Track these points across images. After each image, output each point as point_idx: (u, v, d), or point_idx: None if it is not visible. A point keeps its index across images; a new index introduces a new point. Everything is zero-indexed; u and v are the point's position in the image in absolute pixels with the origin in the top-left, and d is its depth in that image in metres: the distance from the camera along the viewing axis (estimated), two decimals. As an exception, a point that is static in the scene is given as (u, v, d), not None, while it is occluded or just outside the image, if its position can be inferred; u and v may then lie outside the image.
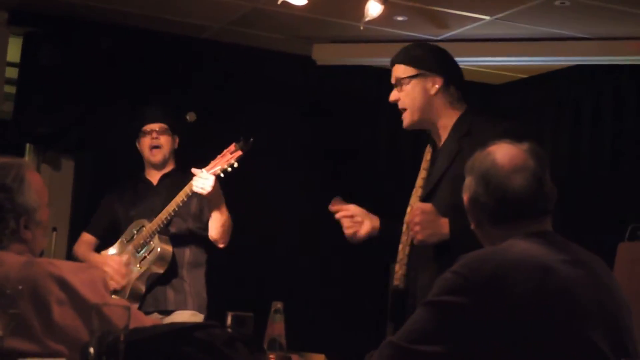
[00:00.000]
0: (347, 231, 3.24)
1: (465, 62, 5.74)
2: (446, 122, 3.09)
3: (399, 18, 5.21)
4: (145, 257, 4.18)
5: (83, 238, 4.50)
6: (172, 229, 4.25)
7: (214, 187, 4.03)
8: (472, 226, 2.27)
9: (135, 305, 4.08)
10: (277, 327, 2.56)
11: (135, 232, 4.26)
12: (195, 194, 4.07)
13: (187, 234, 4.29)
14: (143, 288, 4.20)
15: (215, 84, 5.81)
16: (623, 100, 5.69)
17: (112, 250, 4.33)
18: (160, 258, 4.18)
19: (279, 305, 2.58)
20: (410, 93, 3.10)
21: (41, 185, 2.52)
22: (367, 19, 4.44)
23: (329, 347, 3.47)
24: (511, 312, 1.95)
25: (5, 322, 2.13)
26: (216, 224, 4.21)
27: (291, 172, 6.00)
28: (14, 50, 5.53)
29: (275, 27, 5.61)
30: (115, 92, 5.53)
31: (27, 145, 5.68)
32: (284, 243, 5.86)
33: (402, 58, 3.14)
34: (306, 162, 6.07)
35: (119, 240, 4.32)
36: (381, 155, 6.28)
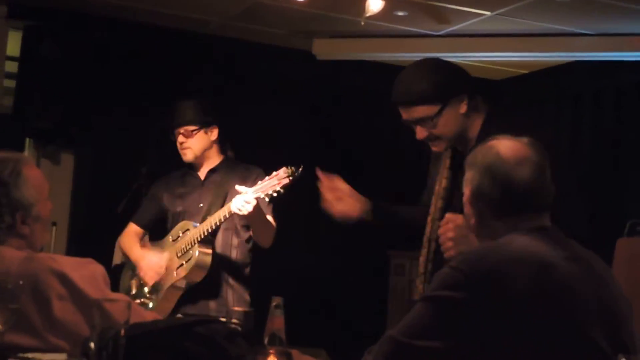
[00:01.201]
0: (323, 204, 3.17)
1: (465, 57, 5.75)
2: (473, 131, 2.93)
3: (400, 13, 5.21)
4: (182, 264, 4.09)
5: (130, 229, 4.38)
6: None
7: (254, 210, 3.94)
8: (473, 221, 2.26)
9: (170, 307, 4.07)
10: (277, 322, 2.55)
11: (180, 234, 4.18)
12: None
13: (233, 235, 4.21)
14: (178, 294, 4.12)
15: (216, 78, 5.81)
16: (623, 96, 5.69)
17: (158, 247, 4.25)
18: (198, 266, 4.07)
19: (279, 300, 2.58)
20: (444, 126, 2.91)
21: (40, 180, 2.52)
22: (367, 15, 4.43)
23: (329, 342, 3.48)
24: (510, 307, 1.96)
25: (6, 317, 2.13)
26: (259, 236, 4.18)
27: (292, 165, 5.99)
28: (13, 44, 5.52)
29: (275, 22, 5.61)
30: (115, 87, 5.52)
31: (27, 139, 5.67)
32: (285, 238, 5.85)
33: (416, 99, 2.91)
34: (306, 156, 6.06)
35: (167, 236, 4.25)
36: (382, 150, 6.28)
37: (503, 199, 2.18)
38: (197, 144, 4.24)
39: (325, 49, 5.93)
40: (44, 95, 5.42)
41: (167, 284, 4.12)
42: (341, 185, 3.20)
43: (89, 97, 5.47)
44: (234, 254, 4.22)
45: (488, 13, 5.16)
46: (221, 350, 1.97)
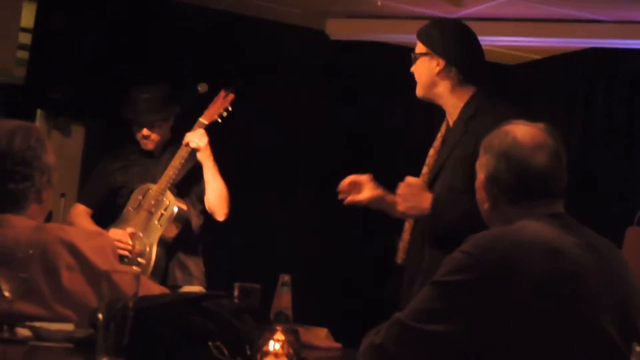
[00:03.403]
0: (340, 196, 3.28)
1: (479, 41, 5.72)
2: (454, 102, 3.18)
3: (415, -5, 5.19)
4: (162, 214, 4.11)
5: (77, 209, 4.36)
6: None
7: (208, 147, 4.09)
8: (486, 206, 2.25)
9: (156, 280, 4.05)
10: (284, 299, 2.57)
11: (141, 197, 4.17)
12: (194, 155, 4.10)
13: (189, 209, 4.24)
14: (164, 258, 4.14)
15: (228, 56, 5.80)
16: (637, 83, 5.66)
17: (117, 224, 4.20)
18: (177, 217, 4.13)
19: (286, 278, 2.59)
20: (418, 69, 3.23)
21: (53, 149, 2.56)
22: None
23: (334, 321, 3.48)
24: (520, 293, 1.94)
25: (15, 285, 2.15)
26: (213, 193, 4.16)
27: (301, 146, 6.00)
28: (27, 16, 5.51)
29: (290, 1, 5.59)
30: (127, 59, 5.52)
31: (38, 110, 5.67)
32: (294, 217, 5.87)
33: (420, 34, 3.25)
34: (317, 136, 6.07)
35: (124, 210, 4.21)
36: (394, 131, 6.26)
37: (518, 185, 2.17)
38: (159, 135, 4.30)
39: (339, 29, 5.91)
40: (57, 67, 5.41)
41: (155, 240, 4.11)
42: (362, 178, 3.29)
43: (101, 70, 5.47)
44: (193, 225, 4.27)
45: (503, -3, 5.14)
46: (228, 326, 1.97)
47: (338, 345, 2.81)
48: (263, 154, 5.81)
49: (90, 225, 4.27)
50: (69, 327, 2.20)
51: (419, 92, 3.24)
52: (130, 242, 4.07)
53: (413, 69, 3.24)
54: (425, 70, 3.20)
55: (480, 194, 2.27)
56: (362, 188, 3.24)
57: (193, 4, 5.76)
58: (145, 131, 4.26)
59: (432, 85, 3.19)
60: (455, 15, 5.53)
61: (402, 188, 3.01)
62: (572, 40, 5.66)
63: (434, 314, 1.99)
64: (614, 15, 5.25)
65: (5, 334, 2.13)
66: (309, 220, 5.87)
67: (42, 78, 5.43)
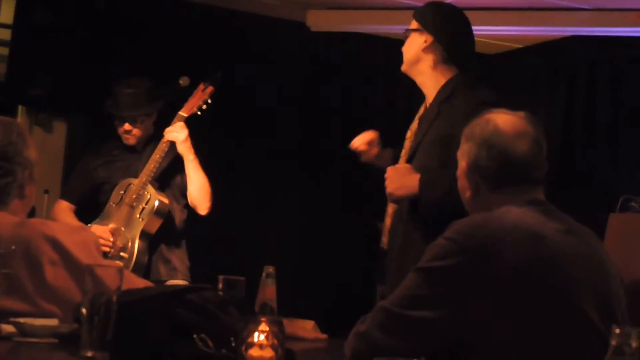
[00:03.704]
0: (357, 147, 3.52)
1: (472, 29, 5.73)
2: (434, 82, 3.26)
3: (396, -15, 5.19)
4: (143, 208, 4.10)
5: (60, 206, 4.36)
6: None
7: (188, 139, 4.08)
8: (468, 194, 2.26)
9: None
10: (268, 291, 2.57)
11: (122, 192, 4.15)
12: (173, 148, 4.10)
13: (171, 203, 4.23)
14: (146, 252, 4.13)
15: (207, 48, 5.78)
16: (618, 71, 5.68)
17: (100, 220, 4.19)
18: (158, 210, 4.11)
19: (270, 269, 2.59)
20: (407, 44, 3.32)
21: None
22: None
23: (319, 313, 3.49)
24: (503, 279, 1.96)
25: (-1, 281, 2.14)
26: (194, 186, 4.15)
27: (282, 137, 5.99)
28: (6, 12, 5.48)
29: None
30: (109, 54, 5.49)
31: (20, 107, 5.64)
32: (277, 207, 5.87)
33: (415, 12, 3.36)
34: (299, 128, 6.07)
35: (106, 206, 4.20)
36: (376, 122, 6.25)
37: (500, 172, 2.19)
38: (141, 130, 4.28)
39: (320, 21, 5.90)
40: (37, 62, 5.38)
41: (136, 234, 4.10)
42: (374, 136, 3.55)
43: (83, 66, 5.44)
44: (177, 220, 4.26)
45: (484, -14, 5.15)
46: (213, 318, 1.97)
47: (324, 336, 2.82)
48: (245, 145, 5.81)
49: (73, 222, 4.25)
50: (53, 322, 2.20)
51: (404, 66, 3.33)
52: (111, 239, 4.05)
53: (404, 47, 3.33)
54: (413, 45, 3.29)
55: (462, 182, 2.28)
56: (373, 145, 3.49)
57: (173, -2, 5.75)
58: (127, 126, 4.24)
59: (417, 60, 3.28)
60: (436, 5, 5.54)
61: (389, 171, 3.09)
62: (553, 29, 5.68)
63: (418, 299, 2.01)
64: (594, 3, 5.27)
65: (-11, 331, 2.13)
66: (293, 211, 5.87)
67: (23, 74, 5.39)
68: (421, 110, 3.34)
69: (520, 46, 6.33)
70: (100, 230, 4.04)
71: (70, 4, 5.49)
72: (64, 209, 4.34)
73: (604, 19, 5.37)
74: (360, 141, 3.51)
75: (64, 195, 4.43)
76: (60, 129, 5.68)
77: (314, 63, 6.12)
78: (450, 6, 3.47)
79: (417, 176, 3.02)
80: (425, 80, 3.29)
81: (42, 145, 5.35)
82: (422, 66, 3.27)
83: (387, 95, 6.16)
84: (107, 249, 4.02)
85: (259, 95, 5.86)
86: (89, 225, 4.14)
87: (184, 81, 4.35)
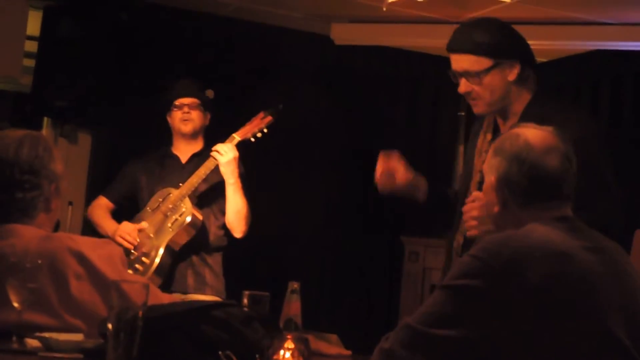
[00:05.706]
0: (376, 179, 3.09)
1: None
2: (518, 106, 2.90)
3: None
4: (176, 219, 4.13)
5: (99, 201, 4.44)
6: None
7: (235, 162, 4.10)
8: (496, 209, 2.24)
9: (158, 281, 4.07)
10: (293, 306, 2.56)
11: (161, 200, 4.20)
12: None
13: (207, 218, 4.26)
14: (169, 262, 4.15)
15: (233, 62, 5.80)
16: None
17: (133, 221, 4.25)
18: (190, 225, 4.14)
19: (295, 285, 2.58)
20: (489, 86, 2.86)
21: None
22: (390, 0, 4.40)
23: (341, 328, 3.48)
24: (529, 298, 1.95)
25: (24, 296, 2.15)
26: (232, 209, 4.19)
27: (308, 151, 6.00)
28: (33, 24, 5.53)
29: (294, 6, 5.59)
30: (134, 67, 5.53)
31: (45, 118, 5.68)
32: (303, 223, 5.86)
33: (471, 48, 2.86)
34: (324, 142, 6.07)
35: (143, 210, 4.26)
36: (400, 136, 6.26)
37: (530, 188, 2.17)
38: (197, 118, 4.33)
39: (344, 34, 5.91)
40: (63, 74, 5.42)
41: (163, 242, 4.12)
42: (396, 166, 3.09)
43: (108, 77, 5.47)
44: (211, 236, 4.28)
45: (509, 0, 5.13)
46: (238, 334, 1.97)
47: (348, 352, 2.81)
48: (268, 159, 5.81)
49: (107, 219, 4.35)
50: (78, 337, 2.20)
51: (492, 107, 2.90)
52: (137, 239, 4.11)
53: (472, 87, 2.87)
54: (499, 82, 2.85)
55: (490, 197, 2.26)
56: (396, 173, 3.04)
57: (199, 11, 5.77)
58: (186, 108, 4.29)
59: (507, 94, 2.87)
60: (460, 19, 5.53)
61: (476, 209, 2.62)
62: (577, 43, 5.66)
63: (443, 318, 1.99)
64: (618, 17, 5.25)
65: (15, 345, 2.13)
66: (318, 227, 5.86)
67: (49, 86, 5.43)
68: (488, 134, 2.97)
69: (545, 60, 6.31)
70: (130, 228, 4.16)
71: (95, 17, 5.53)
72: (102, 206, 4.42)
73: (628, 33, 5.35)
74: (380, 170, 3.07)
75: (106, 193, 4.49)
76: (85, 140, 5.71)
77: (338, 75, 6.13)
78: (490, 20, 3.03)
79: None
80: (509, 108, 2.90)
81: (67, 157, 5.38)
82: (511, 96, 2.88)
83: (409, 108, 6.16)
84: (130, 246, 4.09)
85: (284, 109, 5.86)
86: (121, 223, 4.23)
87: (209, 94, 4.38)
